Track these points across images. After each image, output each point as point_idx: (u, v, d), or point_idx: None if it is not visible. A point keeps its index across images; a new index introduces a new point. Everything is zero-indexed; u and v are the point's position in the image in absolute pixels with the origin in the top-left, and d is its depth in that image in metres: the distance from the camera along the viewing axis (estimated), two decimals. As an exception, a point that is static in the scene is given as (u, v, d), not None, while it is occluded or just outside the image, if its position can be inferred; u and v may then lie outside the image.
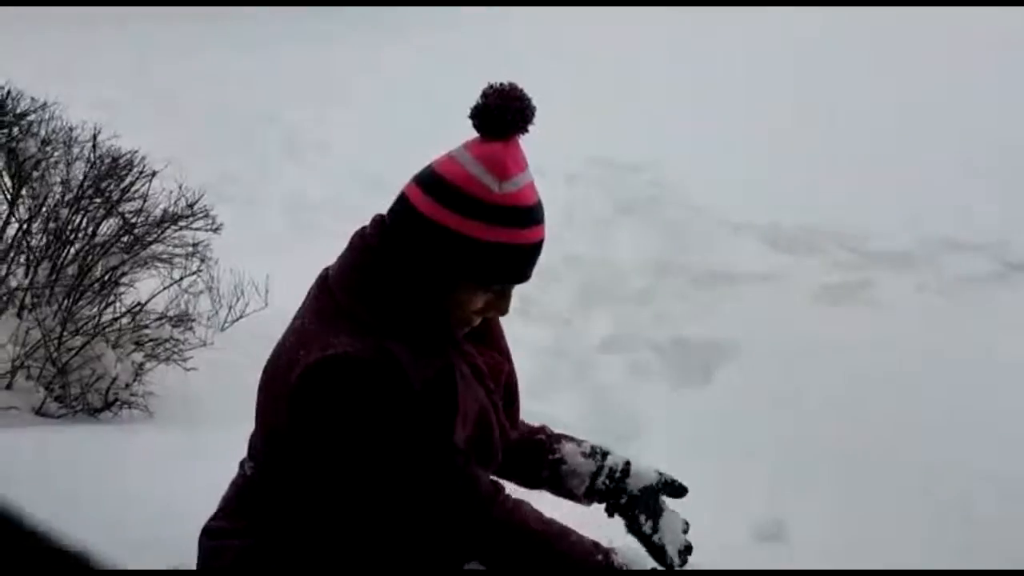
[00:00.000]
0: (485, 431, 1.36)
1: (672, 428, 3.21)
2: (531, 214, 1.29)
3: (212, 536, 1.45)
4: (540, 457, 1.54)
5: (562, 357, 3.87)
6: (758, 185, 5.62)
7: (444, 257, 1.27)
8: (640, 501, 1.50)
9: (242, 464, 1.47)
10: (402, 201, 1.31)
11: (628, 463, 1.53)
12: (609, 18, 10.09)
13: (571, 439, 1.57)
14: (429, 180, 1.29)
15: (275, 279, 3.69)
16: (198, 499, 2.14)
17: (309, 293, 1.38)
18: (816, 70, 7.77)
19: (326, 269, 1.39)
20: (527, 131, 1.30)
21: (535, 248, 1.29)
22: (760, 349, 3.70)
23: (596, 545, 1.37)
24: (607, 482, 1.50)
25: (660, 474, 1.54)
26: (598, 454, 1.54)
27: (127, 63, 8.17)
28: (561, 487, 1.55)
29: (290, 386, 1.24)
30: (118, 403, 3.05)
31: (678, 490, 1.54)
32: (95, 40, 8.97)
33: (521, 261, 1.29)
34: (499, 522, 1.31)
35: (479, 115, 1.28)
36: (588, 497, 1.54)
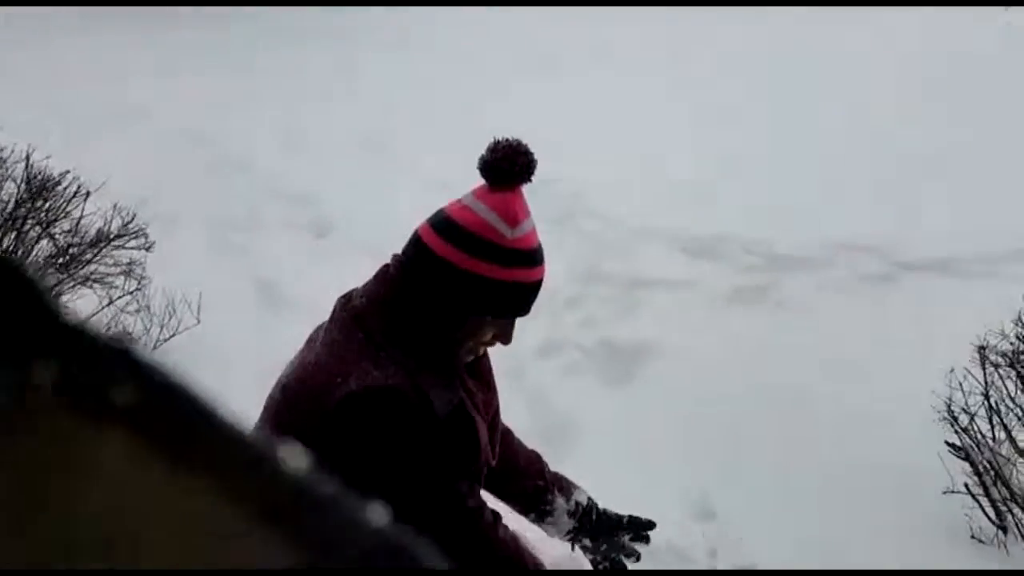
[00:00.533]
0: (477, 455, 1.53)
1: (602, 422, 3.39)
2: (535, 255, 1.48)
3: None
4: (535, 502, 1.78)
5: (498, 365, 4.01)
6: (667, 196, 5.90)
7: (463, 295, 1.43)
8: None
9: None
10: (418, 244, 1.47)
11: (603, 516, 1.80)
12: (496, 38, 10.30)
13: (563, 490, 1.80)
14: (445, 226, 1.46)
15: (205, 296, 3.72)
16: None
17: (334, 316, 1.50)
18: (717, 79, 8.15)
19: (348, 296, 1.53)
20: (530, 181, 1.49)
21: (538, 284, 1.49)
22: (678, 348, 3.93)
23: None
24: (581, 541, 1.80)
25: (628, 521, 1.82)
26: (579, 513, 1.80)
27: (42, 79, 7.93)
28: (538, 523, 1.81)
29: (328, 407, 1.37)
30: (56, 424, 3.03)
31: (645, 525, 1.80)
32: (13, 58, 8.64)
33: (527, 296, 1.48)
34: (496, 549, 1.50)
35: (488, 169, 1.46)
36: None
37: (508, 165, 1.44)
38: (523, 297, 1.47)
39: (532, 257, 1.47)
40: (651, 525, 1.81)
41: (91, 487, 0.26)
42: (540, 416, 3.49)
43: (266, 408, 1.52)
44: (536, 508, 1.76)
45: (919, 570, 1.82)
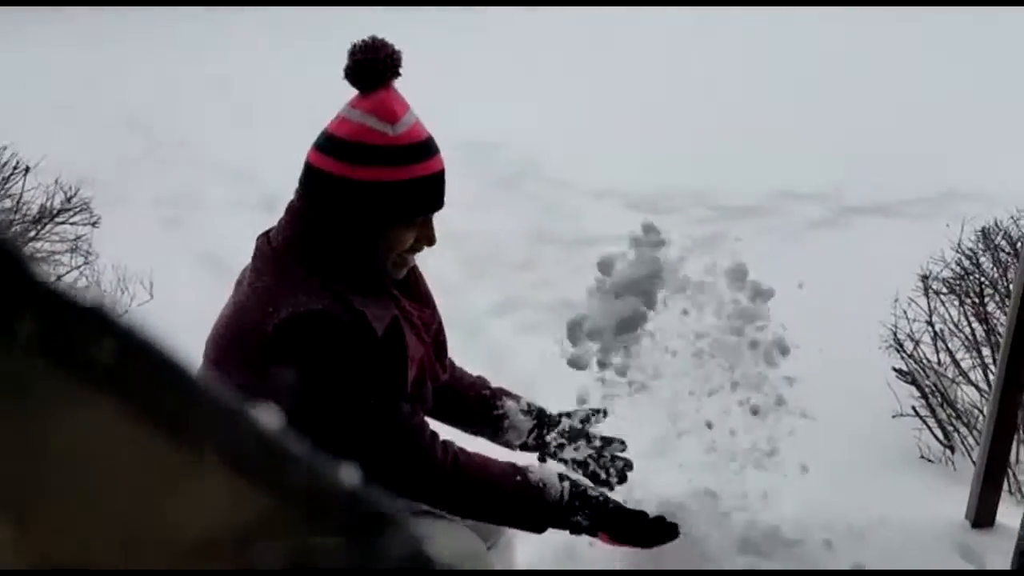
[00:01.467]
0: (422, 377, 1.53)
1: (562, 379, 3.42)
2: (426, 148, 1.44)
3: None
4: (485, 411, 1.76)
5: (453, 326, 4.02)
6: (612, 155, 5.95)
7: (366, 206, 1.41)
8: (567, 447, 1.74)
9: None
10: (310, 169, 1.44)
11: (557, 416, 1.77)
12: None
13: (511, 396, 1.78)
14: (328, 143, 1.43)
15: (155, 272, 3.67)
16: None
17: (255, 257, 1.48)
18: (650, 42, 8.20)
19: (264, 235, 1.51)
20: (400, 75, 1.45)
21: (439, 175, 1.45)
22: (635, 300, 3.98)
23: (514, 466, 1.58)
24: (539, 439, 1.78)
25: (586, 413, 1.78)
26: (533, 412, 1.78)
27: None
28: (499, 438, 1.79)
29: (263, 341, 1.35)
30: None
31: (597, 413, 1.79)
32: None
33: (429, 190, 1.44)
34: (439, 463, 1.49)
35: (353, 73, 1.42)
36: (522, 449, 1.79)
37: (371, 64, 1.41)
38: (425, 192, 1.44)
39: (422, 150, 1.43)
40: (603, 413, 1.82)
41: (68, 437, 0.27)
42: (498, 374, 3.51)
43: (204, 355, 1.50)
44: (488, 416, 1.75)
45: (920, 570, 1.89)
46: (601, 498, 1.58)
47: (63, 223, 3.13)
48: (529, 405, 1.81)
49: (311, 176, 1.44)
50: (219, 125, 6.41)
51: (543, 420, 1.79)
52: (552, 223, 5.11)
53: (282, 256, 1.43)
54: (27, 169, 3.05)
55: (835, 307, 3.50)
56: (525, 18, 9.44)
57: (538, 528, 1.56)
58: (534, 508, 1.52)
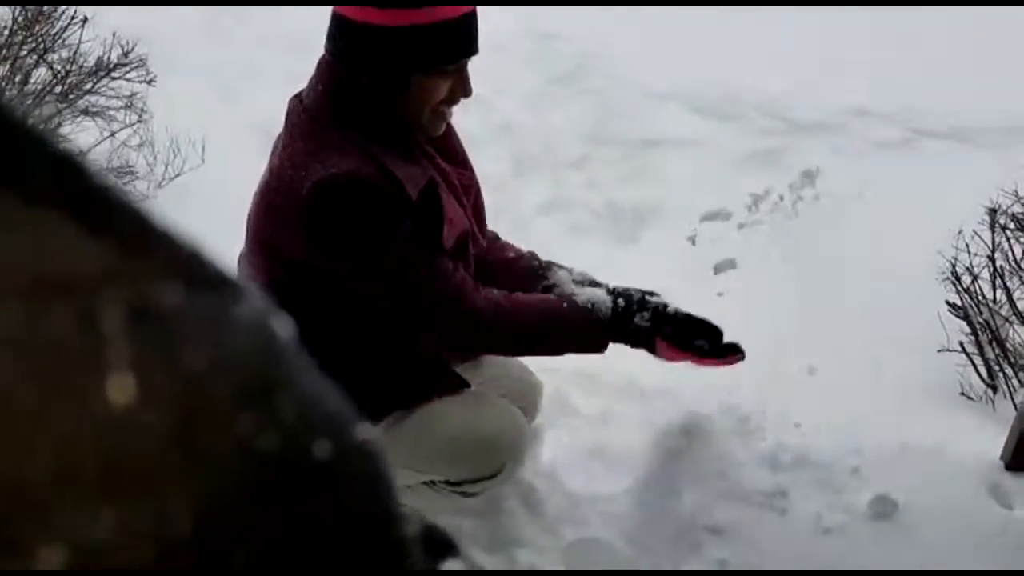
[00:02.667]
0: (463, 239, 1.50)
1: (610, 278, 3.40)
2: None
3: None
4: (535, 281, 1.72)
5: (500, 220, 3.99)
6: (679, 56, 5.72)
7: (395, 53, 1.35)
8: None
9: None
10: (337, 20, 1.41)
11: (616, 288, 1.72)
12: None
13: (561, 267, 1.74)
14: None
15: (209, 138, 3.66)
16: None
17: (288, 119, 1.45)
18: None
19: (297, 96, 1.47)
20: None
21: (466, 19, 1.39)
22: (687, 209, 3.90)
23: (559, 296, 1.56)
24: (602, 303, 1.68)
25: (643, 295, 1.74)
26: (586, 281, 1.73)
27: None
28: None
29: (300, 203, 1.34)
30: (61, 256, 3.04)
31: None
32: None
33: (458, 34, 1.37)
34: (487, 306, 1.47)
35: None
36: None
37: None
38: (454, 36, 1.38)
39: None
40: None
41: None
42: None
43: (247, 225, 1.50)
44: (538, 287, 1.70)
45: (928, 570, 1.85)
46: (660, 304, 1.57)
47: (119, 78, 3.12)
48: (583, 275, 1.75)
49: (338, 26, 1.40)
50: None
51: (596, 286, 1.73)
52: (609, 122, 4.97)
53: (315, 116, 1.40)
54: (85, 19, 3.02)
55: (896, 232, 3.40)
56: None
57: (598, 345, 1.55)
58: (589, 325, 1.51)
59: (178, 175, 3.53)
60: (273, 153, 1.49)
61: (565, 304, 1.51)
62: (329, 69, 1.41)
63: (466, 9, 1.38)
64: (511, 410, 1.56)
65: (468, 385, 1.58)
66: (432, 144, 1.50)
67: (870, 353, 2.79)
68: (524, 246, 3.71)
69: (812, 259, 3.36)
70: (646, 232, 3.84)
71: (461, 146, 1.62)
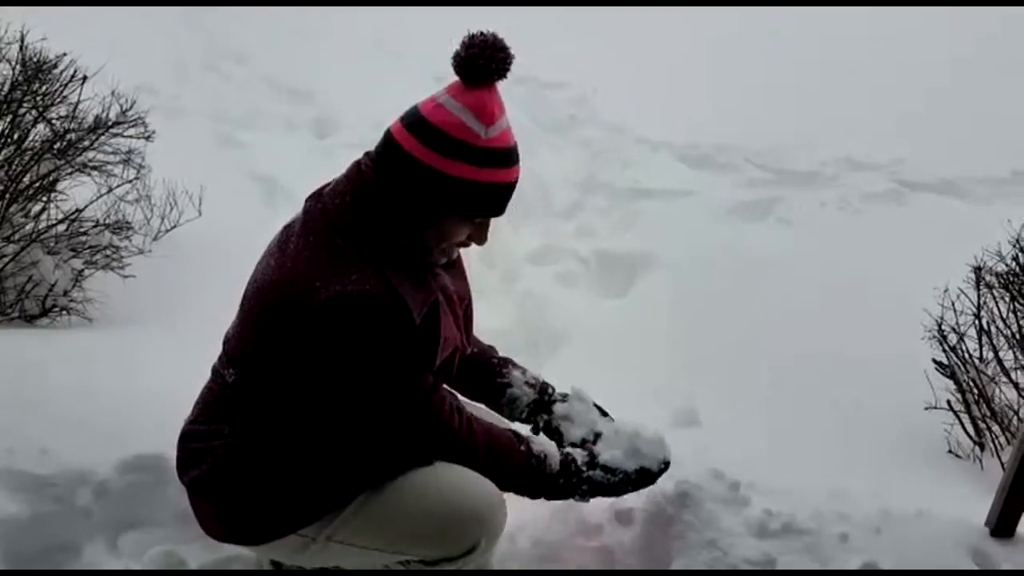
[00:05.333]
0: (452, 352, 1.54)
1: (597, 332, 3.42)
2: (510, 155, 1.44)
3: (193, 439, 1.57)
4: (490, 377, 1.79)
5: (491, 268, 4.02)
6: (673, 106, 5.81)
7: (435, 196, 1.40)
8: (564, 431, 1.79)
9: (216, 371, 1.58)
10: (390, 143, 1.42)
11: (561, 396, 1.81)
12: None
13: (516, 366, 1.80)
14: (419, 125, 1.40)
15: (206, 189, 3.70)
16: (140, 396, 2.24)
17: (305, 222, 1.45)
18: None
19: (317, 197, 1.49)
20: (506, 77, 1.43)
21: (513, 185, 1.47)
22: (677, 260, 3.93)
23: (516, 435, 1.62)
24: (541, 416, 1.80)
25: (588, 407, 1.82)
26: (537, 385, 1.81)
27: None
28: (499, 406, 1.81)
29: (312, 309, 1.36)
30: (56, 309, 3.06)
31: (605, 416, 1.83)
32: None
33: (502, 197, 1.45)
34: (450, 433, 1.53)
35: (463, 64, 1.40)
36: (520, 420, 1.82)
37: (484, 61, 1.39)
38: (497, 198, 1.44)
39: (507, 157, 1.43)
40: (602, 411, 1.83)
41: None
42: (531, 321, 3.52)
43: (243, 307, 1.51)
44: (493, 382, 1.77)
45: (927, 570, 1.87)
46: (598, 476, 1.64)
47: (118, 135, 3.16)
48: (535, 378, 1.82)
49: (393, 153, 1.42)
50: (278, 41, 6.38)
51: (544, 397, 1.81)
52: (601, 171, 5.03)
53: (336, 225, 1.43)
54: (84, 78, 3.07)
55: (881, 288, 3.44)
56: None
57: (535, 497, 1.62)
58: (534, 480, 1.59)
59: (174, 227, 3.56)
60: (284, 247, 1.46)
61: (522, 447, 1.58)
62: (364, 184, 1.43)
63: (517, 175, 1.46)
64: (482, 481, 1.56)
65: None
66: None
67: (858, 411, 2.82)
68: (511, 304, 3.76)
69: (798, 313, 3.40)
70: (636, 283, 3.87)
71: (460, 265, 1.67)
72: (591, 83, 6.17)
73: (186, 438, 1.60)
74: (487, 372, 1.79)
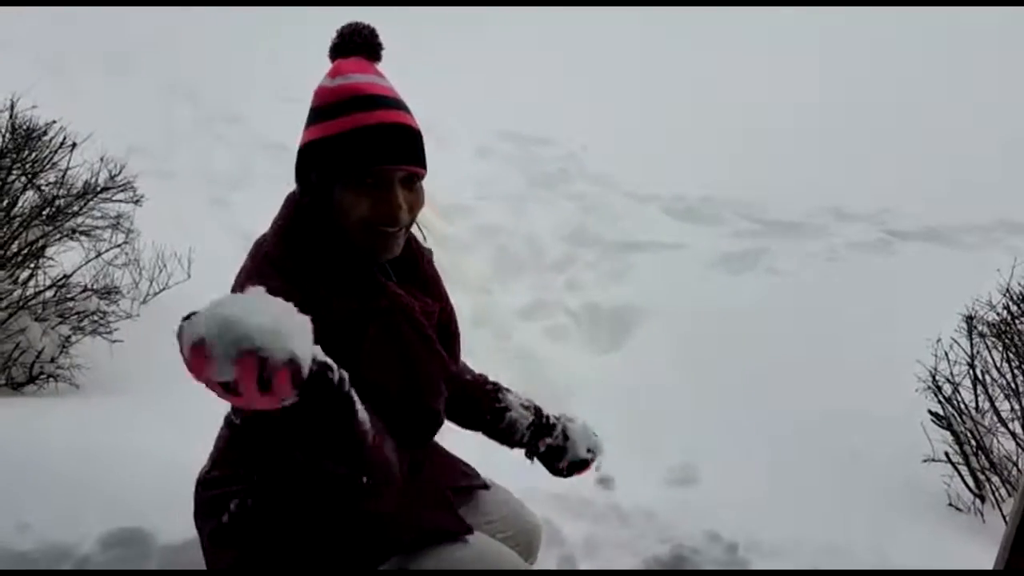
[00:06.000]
0: (411, 366, 1.38)
1: (590, 388, 3.40)
2: (370, 101, 1.30)
3: (208, 487, 1.52)
4: (487, 403, 1.71)
5: (483, 325, 4.01)
6: (658, 160, 5.88)
7: (315, 166, 1.31)
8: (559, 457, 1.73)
9: (227, 416, 1.54)
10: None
11: (554, 420, 1.75)
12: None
13: (509, 391, 1.75)
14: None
15: (196, 250, 3.69)
16: (136, 463, 2.20)
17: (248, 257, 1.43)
18: (707, 48, 8.06)
19: (263, 236, 1.46)
20: (377, 55, 1.38)
21: (381, 129, 1.29)
22: (667, 313, 3.93)
23: None
24: (543, 440, 1.73)
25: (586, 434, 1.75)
26: (531, 408, 1.74)
27: (26, 28, 7.78)
28: (498, 431, 1.73)
29: None
30: (43, 376, 3.02)
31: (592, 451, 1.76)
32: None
33: (370, 142, 1.28)
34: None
35: (332, 48, 1.38)
36: (520, 445, 1.74)
37: (346, 38, 1.38)
38: (361, 144, 1.29)
39: (360, 102, 1.30)
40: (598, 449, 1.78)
41: None
42: (524, 377, 3.49)
43: None
44: (491, 408, 1.71)
45: (921, 570, 1.83)
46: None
47: (107, 200, 3.16)
48: (529, 401, 1.76)
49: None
50: (267, 101, 6.44)
51: (542, 419, 1.74)
52: (591, 224, 5.06)
53: (259, 245, 1.37)
54: (74, 145, 3.08)
55: (873, 340, 3.43)
56: (581, 16, 9.33)
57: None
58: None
59: (163, 290, 3.54)
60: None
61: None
62: (285, 200, 1.39)
63: (385, 119, 1.30)
64: (517, 562, 1.52)
65: (471, 531, 1.52)
66: (398, 270, 1.45)
67: (856, 464, 2.80)
68: (504, 360, 3.74)
69: (791, 364, 3.38)
70: (628, 336, 3.86)
71: (432, 270, 1.53)
72: (578, 138, 6.24)
73: (203, 485, 1.53)
74: (483, 399, 1.73)
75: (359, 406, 1.17)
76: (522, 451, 1.77)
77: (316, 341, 1.04)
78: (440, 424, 1.49)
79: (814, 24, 8.43)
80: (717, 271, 4.35)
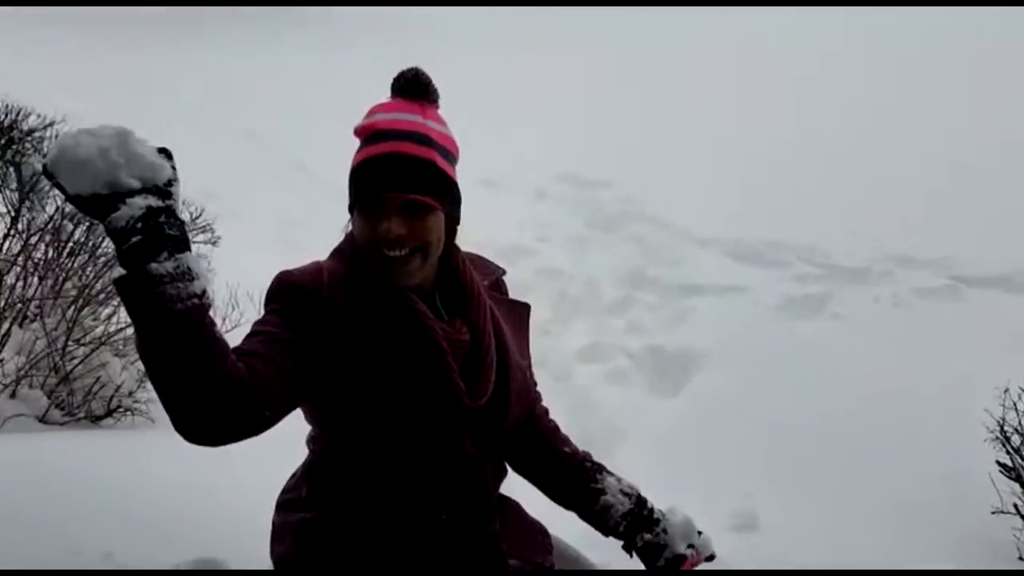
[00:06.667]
0: (415, 389, 1.39)
1: (650, 432, 3.41)
2: (381, 135, 1.37)
3: (281, 510, 1.57)
4: (583, 482, 1.63)
5: (542, 367, 4.05)
6: (720, 201, 5.88)
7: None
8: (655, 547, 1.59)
9: (307, 441, 1.58)
10: None
11: (657, 513, 1.61)
12: (567, 39, 10.30)
13: (611, 473, 1.64)
14: None
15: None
16: (206, 495, 2.29)
17: None
18: (774, 89, 8.06)
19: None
20: (421, 95, 1.43)
21: (382, 159, 1.36)
22: (729, 357, 3.92)
23: None
24: (641, 534, 1.60)
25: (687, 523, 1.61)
26: (633, 496, 1.61)
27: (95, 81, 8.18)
28: (591, 513, 1.63)
29: None
30: (121, 410, 3.16)
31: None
32: (87, 43, 8.92)
33: (371, 172, 1.36)
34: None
35: (391, 89, 1.45)
36: (614, 535, 1.62)
37: (393, 81, 1.44)
38: (368, 172, 1.37)
39: (378, 135, 1.38)
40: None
41: None
42: (580, 424, 3.50)
43: None
44: (586, 488, 1.61)
45: (917, 570, 1.80)
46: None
47: (186, 241, 3.31)
48: (631, 487, 1.64)
49: None
50: (339, 146, 6.65)
51: (643, 511, 1.62)
52: (649, 267, 5.08)
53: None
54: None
55: (939, 389, 3.37)
56: (639, 57, 9.44)
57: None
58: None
59: (235, 327, 3.67)
60: None
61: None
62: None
63: (387, 148, 1.37)
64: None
65: None
66: (448, 302, 1.48)
67: (921, 514, 2.75)
68: (561, 404, 3.76)
69: (856, 412, 3.34)
70: (689, 380, 3.86)
71: (480, 309, 1.50)
72: (637, 180, 6.29)
73: (277, 509, 1.55)
74: (579, 476, 1.64)
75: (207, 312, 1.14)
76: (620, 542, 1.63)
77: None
78: (469, 466, 1.47)
79: (881, 67, 8.38)
80: (780, 316, 4.33)
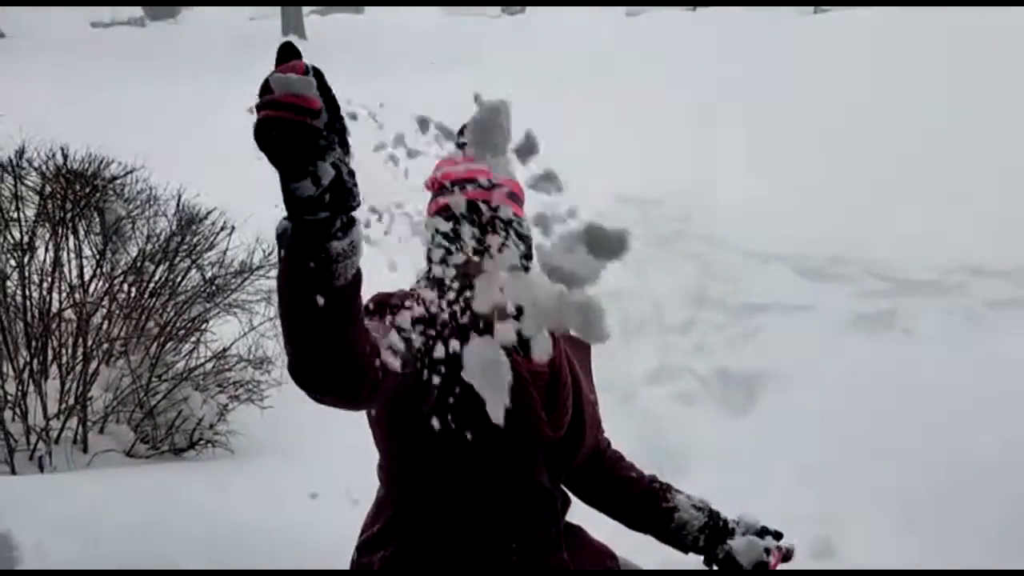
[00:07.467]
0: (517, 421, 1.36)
1: (720, 454, 3.38)
2: (446, 188, 1.56)
3: (360, 552, 1.62)
4: (654, 503, 1.68)
5: (608, 390, 4.06)
6: (782, 216, 5.79)
7: None
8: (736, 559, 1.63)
9: (378, 473, 1.60)
10: None
11: (732, 523, 1.67)
12: (615, 61, 10.32)
13: (680, 491, 1.70)
14: None
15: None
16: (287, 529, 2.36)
17: None
18: (837, 99, 7.96)
19: None
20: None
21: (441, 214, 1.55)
22: (799, 376, 3.88)
23: None
24: (720, 547, 1.64)
25: (760, 529, 1.67)
26: (705, 510, 1.67)
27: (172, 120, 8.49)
28: (668, 532, 1.67)
29: None
30: (202, 442, 3.28)
31: (775, 535, 1.68)
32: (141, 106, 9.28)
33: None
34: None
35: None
36: (692, 549, 1.66)
37: (459, 135, 1.46)
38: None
39: (445, 189, 1.56)
40: (779, 535, 1.68)
41: None
42: (650, 447, 3.50)
43: None
44: (658, 507, 1.67)
45: (924, 570, 1.75)
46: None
47: (261, 277, 3.42)
48: (702, 501, 1.70)
49: None
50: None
51: (719, 523, 1.67)
52: (712, 285, 5.05)
53: None
54: (232, 229, 3.37)
55: (1016, 403, 3.29)
56: (694, 73, 9.42)
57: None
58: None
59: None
60: None
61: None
62: None
63: (444, 203, 1.55)
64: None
65: None
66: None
67: (1004, 538, 2.67)
68: (629, 427, 3.75)
69: (933, 430, 3.27)
70: (759, 401, 3.83)
71: (559, 347, 1.58)
72: (694, 198, 6.26)
73: (355, 551, 1.59)
74: (650, 498, 1.69)
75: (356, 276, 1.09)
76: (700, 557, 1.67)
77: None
78: (542, 497, 1.51)
79: (949, 76, 8.21)
80: (849, 332, 4.26)
